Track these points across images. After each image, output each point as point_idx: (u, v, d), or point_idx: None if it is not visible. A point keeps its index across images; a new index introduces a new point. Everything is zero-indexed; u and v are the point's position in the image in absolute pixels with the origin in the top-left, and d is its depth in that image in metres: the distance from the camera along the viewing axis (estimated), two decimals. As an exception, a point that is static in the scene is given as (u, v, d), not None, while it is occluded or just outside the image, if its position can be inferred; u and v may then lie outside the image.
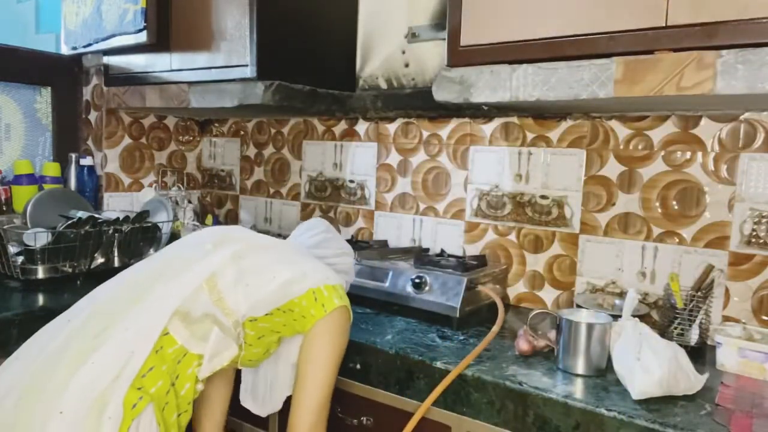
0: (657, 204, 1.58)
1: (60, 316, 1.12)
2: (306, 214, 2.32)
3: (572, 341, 1.26)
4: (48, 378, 0.96)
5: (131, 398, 0.96)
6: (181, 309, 1.06)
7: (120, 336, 1.01)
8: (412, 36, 1.95)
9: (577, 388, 1.17)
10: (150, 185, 2.48)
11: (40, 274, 1.76)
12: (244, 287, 1.12)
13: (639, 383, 1.12)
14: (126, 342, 1.00)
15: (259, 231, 2.47)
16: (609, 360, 1.27)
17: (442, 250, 1.90)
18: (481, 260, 1.75)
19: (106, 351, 0.98)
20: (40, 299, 1.64)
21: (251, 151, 2.50)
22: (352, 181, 2.19)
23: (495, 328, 1.42)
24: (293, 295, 1.15)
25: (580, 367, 1.25)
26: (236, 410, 1.59)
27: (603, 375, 1.25)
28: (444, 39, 1.53)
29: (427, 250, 1.96)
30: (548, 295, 1.77)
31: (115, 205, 2.36)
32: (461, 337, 1.46)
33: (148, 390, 0.99)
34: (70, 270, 1.82)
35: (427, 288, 1.58)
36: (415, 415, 1.25)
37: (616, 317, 1.30)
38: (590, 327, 1.26)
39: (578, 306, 1.54)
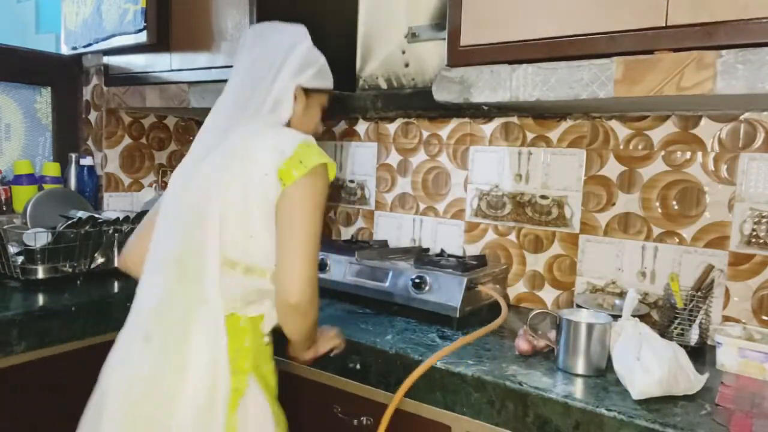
0: (657, 204, 1.58)
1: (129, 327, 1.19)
2: (306, 214, 2.32)
3: (572, 341, 1.26)
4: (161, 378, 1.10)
5: (233, 384, 1.10)
6: (225, 296, 1.12)
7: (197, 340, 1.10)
8: (412, 36, 1.95)
9: (577, 388, 1.17)
10: (150, 185, 2.48)
11: (40, 274, 1.76)
12: (253, 243, 1.13)
13: (639, 383, 1.12)
14: (204, 344, 1.09)
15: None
16: (609, 360, 1.27)
17: (442, 250, 1.90)
18: (481, 260, 1.75)
19: (197, 361, 1.08)
20: (40, 299, 1.64)
21: (251, 151, 2.50)
22: (352, 181, 2.18)
23: (499, 320, 1.43)
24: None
25: (580, 367, 1.25)
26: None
27: (603, 375, 1.25)
28: (444, 39, 1.53)
29: (427, 250, 1.96)
30: (548, 295, 1.77)
31: (115, 205, 2.36)
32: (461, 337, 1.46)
33: (242, 367, 1.12)
34: (70, 270, 1.82)
35: (427, 288, 1.58)
36: (394, 397, 1.28)
37: (616, 317, 1.30)
38: (590, 327, 1.26)
39: (578, 306, 1.54)
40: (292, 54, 1.20)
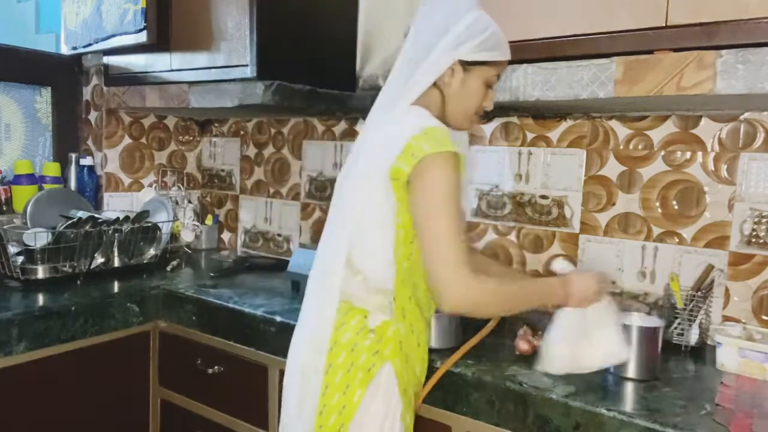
0: (657, 204, 1.58)
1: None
2: (306, 213, 2.32)
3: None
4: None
5: (367, 363, 1.11)
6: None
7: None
8: (412, 36, 1.95)
9: (577, 388, 1.17)
10: (150, 185, 2.48)
11: (40, 274, 1.76)
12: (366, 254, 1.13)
13: (546, 357, 1.15)
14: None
15: (259, 231, 2.48)
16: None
17: (442, 250, 1.89)
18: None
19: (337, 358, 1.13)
20: (40, 299, 1.64)
21: (251, 151, 2.50)
22: (352, 181, 2.18)
23: (492, 323, 1.42)
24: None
25: (632, 370, 1.24)
26: (237, 410, 1.59)
27: (657, 379, 1.25)
28: (444, 39, 1.52)
29: (427, 250, 1.96)
30: (548, 295, 1.77)
31: (115, 205, 2.36)
32: (462, 337, 1.46)
33: (382, 352, 1.11)
34: (70, 270, 1.82)
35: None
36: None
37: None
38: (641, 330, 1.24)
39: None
40: (454, 26, 1.10)
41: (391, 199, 1.08)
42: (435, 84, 1.14)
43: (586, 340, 1.16)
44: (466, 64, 1.14)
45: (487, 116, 1.84)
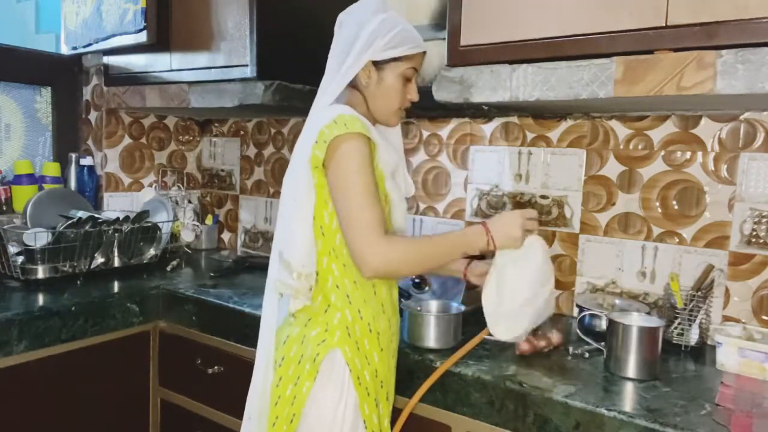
0: (657, 204, 1.58)
1: None
2: (306, 214, 2.32)
3: (621, 344, 1.25)
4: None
5: (312, 354, 1.17)
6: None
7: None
8: (412, 36, 1.95)
9: (577, 388, 1.17)
10: (150, 185, 2.48)
11: (40, 274, 1.76)
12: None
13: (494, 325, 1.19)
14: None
15: (259, 231, 2.48)
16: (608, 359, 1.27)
17: (442, 250, 1.89)
18: (481, 260, 1.75)
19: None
20: (40, 299, 1.64)
21: (251, 151, 2.50)
22: (352, 181, 2.18)
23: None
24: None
25: (631, 370, 1.24)
26: (237, 410, 1.59)
27: (657, 379, 1.25)
28: (444, 39, 1.53)
29: (427, 250, 1.96)
30: (548, 295, 1.77)
31: (115, 205, 2.36)
32: (462, 337, 1.46)
33: (329, 341, 1.17)
34: (70, 270, 1.82)
35: (427, 288, 1.57)
36: (405, 408, 1.26)
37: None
38: (641, 330, 1.25)
39: (578, 306, 1.54)
40: (363, 30, 1.18)
41: (312, 187, 1.14)
42: (355, 86, 1.22)
43: (523, 298, 1.19)
44: (378, 64, 1.20)
45: (487, 116, 1.84)
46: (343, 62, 1.19)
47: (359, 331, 1.17)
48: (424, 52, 1.25)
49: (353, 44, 1.18)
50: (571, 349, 1.39)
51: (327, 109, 1.19)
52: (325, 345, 1.15)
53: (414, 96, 1.27)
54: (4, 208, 2.13)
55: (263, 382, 1.22)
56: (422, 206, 2.01)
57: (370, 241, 1.07)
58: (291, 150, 2.35)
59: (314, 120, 1.19)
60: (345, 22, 1.23)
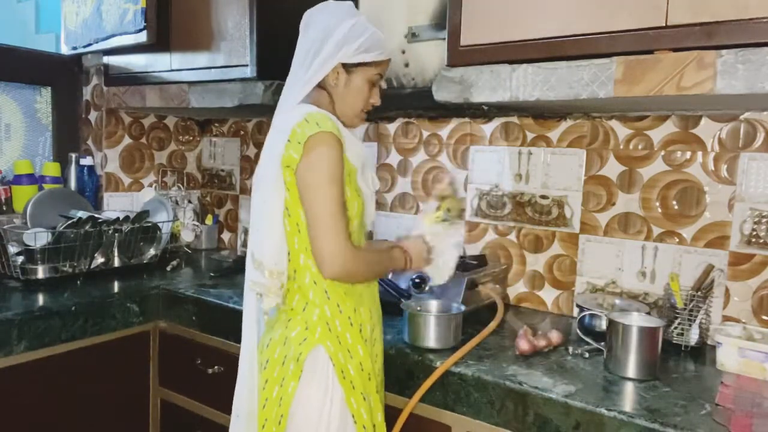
0: (657, 204, 1.58)
1: None
2: (306, 214, 2.32)
3: (621, 344, 1.26)
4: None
5: (295, 354, 1.18)
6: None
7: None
8: (412, 36, 1.95)
9: (577, 388, 1.17)
10: (150, 185, 2.48)
11: (40, 274, 1.76)
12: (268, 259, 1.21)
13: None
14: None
15: (259, 231, 2.48)
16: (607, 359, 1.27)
17: (442, 250, 1.90)
18: (481, 260, 1.75)
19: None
20: (40, 299, 1.64)
21: (251, 151, 2.50)
22: (352, 181, 2.18)
23: (492, 324, 1.42)
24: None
25: (631, 370, 1.25)
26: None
27: (657, 378, 1.25)
28: (444, 39, 1.53)
29: (427, 250, 1.96)
30: (548, 295, 1.77)
31: (115, 205, 2.36)
32: (462, 337, 1.46)
33: (310, 339, 1.18)
34: (70, 270, 1.82)
35: (427, 288, 1.57)
36: (404, 409, 1.27)
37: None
38: (641, 330, 1.25)
39: (578, 306, 1.54)
40: (334, 33, 1.19)
41: (283, 186, 1.16)
42: (323, 86, 1.23)
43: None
44: (348, 67, 1.22)
45: (487, 116, 1.84)
46: (311, 63, 1.21)
47: (340, 325, 1.18)
48: (390, 60, 1.29)
49: (322, 46, 1.20)
50: (571, 349, 1.39)
51: (295, 108, 1.20)
52: (306, 343, 1.16)
53: (377, 101, 1.30)
54: (4, 208, 2.13)
55: (249, 381, 1.25)
56: (422, 206, 2.00)
57: (339, 247, 1.12)
58: (291, 150, 2.35)
59: (283, 118, 1.20)
60: (312, 23, 1.24)
